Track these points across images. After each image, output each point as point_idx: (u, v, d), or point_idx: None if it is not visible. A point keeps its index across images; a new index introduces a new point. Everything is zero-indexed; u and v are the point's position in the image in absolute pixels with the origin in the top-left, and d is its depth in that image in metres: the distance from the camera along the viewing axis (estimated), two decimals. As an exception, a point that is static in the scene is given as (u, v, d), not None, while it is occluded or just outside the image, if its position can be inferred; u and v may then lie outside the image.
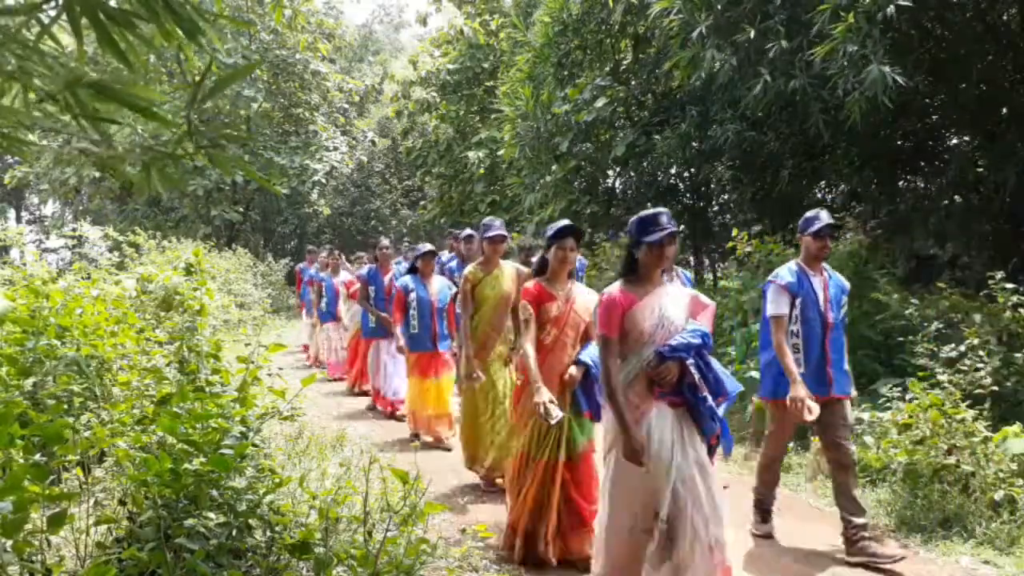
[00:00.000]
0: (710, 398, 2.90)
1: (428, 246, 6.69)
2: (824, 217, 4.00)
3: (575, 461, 3.73)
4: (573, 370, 3.71)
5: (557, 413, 3.56)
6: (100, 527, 2.73)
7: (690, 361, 2.88)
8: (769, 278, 4.10)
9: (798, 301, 3.91)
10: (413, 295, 6.31)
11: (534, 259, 6.41)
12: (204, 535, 2.46)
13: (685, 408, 2.91)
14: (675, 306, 3.01)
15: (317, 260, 11.47)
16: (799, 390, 3.73)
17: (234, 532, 2.60)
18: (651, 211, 3.05)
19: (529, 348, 3.70)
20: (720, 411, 2.97)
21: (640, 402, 2.89)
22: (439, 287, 6.48)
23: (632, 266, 3.05)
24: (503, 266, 5.05)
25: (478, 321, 4.94)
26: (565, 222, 3.84)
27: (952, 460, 4.24)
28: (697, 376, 2.88)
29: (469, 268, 5.00)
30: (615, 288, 3.03)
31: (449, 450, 6.19)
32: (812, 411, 3.71)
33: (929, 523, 4.16)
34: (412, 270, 6.52)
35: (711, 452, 2.96)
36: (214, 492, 2.59)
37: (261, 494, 2.77)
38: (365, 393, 8.60)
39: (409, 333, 6.31)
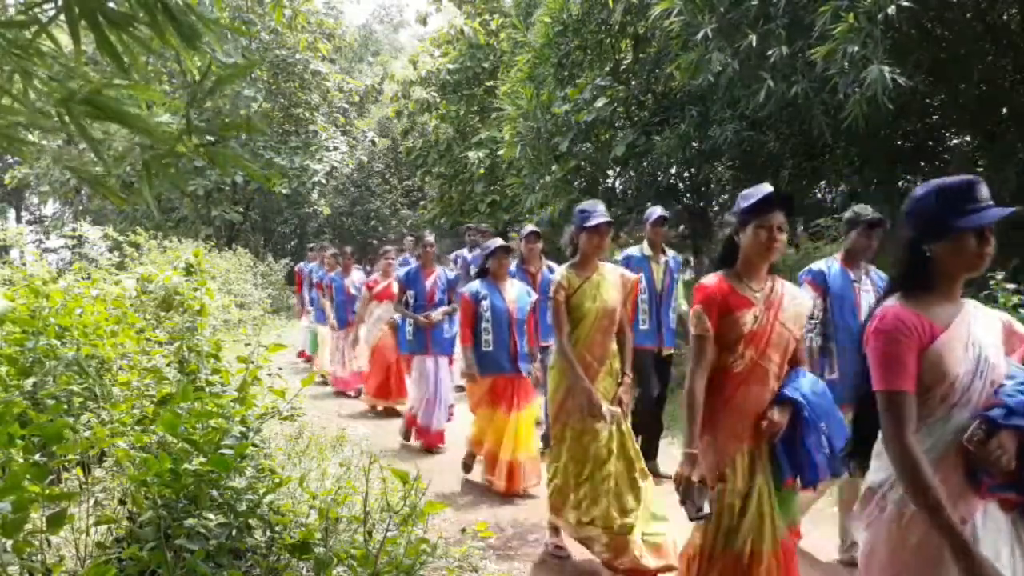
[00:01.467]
0: None
1: (499, 241, 5.38)
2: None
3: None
4: (775, 413, 2.53)
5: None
6: (100, 527, 2.73)
7: None
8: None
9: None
10: (486, 303, 5.09)
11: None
12: (204, 535, 2.46)
13: None
14: (989, 335, 1.87)
15: (324, 258, 10.21)
16: None
17: (234, 532, 2.60)
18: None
19: (699, 383, 2.50)
20: None
21: (957, 499, 1.73)
22: (517, 293, 5.24)
23: (923, 269, 1.88)
24: (604, 269, 3.83)
25: (573, 343, 3.73)
26: (766, 188, 2.60)
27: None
28: None
29: (561, 272, 3.82)
30: (894, 306, 1.85)
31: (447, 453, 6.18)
32: None
33: (929, 523, 4.15)
34: (482, 273, 5.32)
35: None
36: (214, 492, 2.59)
37: (261, 494, 2.77)
38: (392, 412, 7.66)
39: (480, 352, 5.10)
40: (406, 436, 6.50)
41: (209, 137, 1.64)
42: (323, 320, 9.47)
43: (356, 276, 9.11)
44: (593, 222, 3.69)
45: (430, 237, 6.87)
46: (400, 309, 6.44)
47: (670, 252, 5.62)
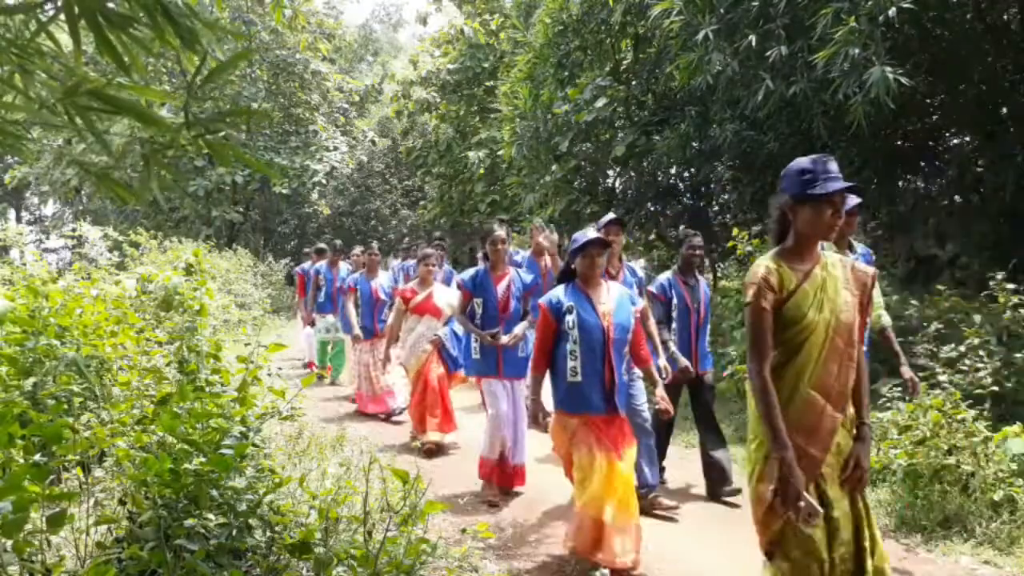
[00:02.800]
0: None
1: (591, 232, 3.84)
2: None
3: None
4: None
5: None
6: (100, 527, 2.73)
7: None
8: None
9: None
10: (571, 318, 3.67)
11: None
12: (204, 535, 2.46)
13: None
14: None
15: (354, 258, 9.18)
16: None
17: (234, 532, 2.60)
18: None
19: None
20: None
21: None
22: (616, 301, 3.76)
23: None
24: (830, 260, 2.50)
25: (794, 373, 2.41)
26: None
27: (952, 460, 4.24)
28: None
29: (764, 262, 2.49)
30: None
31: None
32: None
33: (929, 523, 4.16)
34: (566, 275, 3.85)
35: None
36: (214, 492, 2.59)
37: (261, 494, 2.77)
38: (438, 448, 6.13)
39: (567, 383, 3.71)
40: (493, 488, 4.96)
41: (209, 136, 1.64)
42: (349, 329, 8.10)
43: (384, 279, 7.99)
44: (827, 188, 2.35)
45: (501, 231, 5.22)
46: (464, 322, 5.13)
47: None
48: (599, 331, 3.66)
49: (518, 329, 5.00)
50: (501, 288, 5.06)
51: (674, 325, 4.93)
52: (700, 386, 5.04)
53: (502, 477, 4.96)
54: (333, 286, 9.20)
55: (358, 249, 9.26)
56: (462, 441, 6.32)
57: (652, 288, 4.98)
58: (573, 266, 3.78)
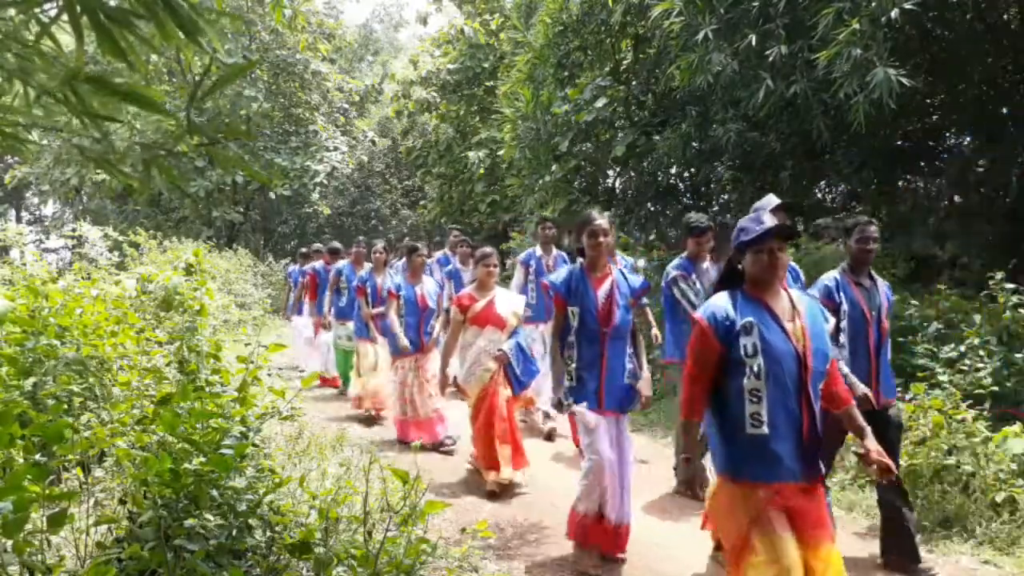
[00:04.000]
0: None
1: (768, 218, 2.67)
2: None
3: None
4: None
5: None
6: (100, 527, 2.73)
7: None
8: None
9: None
10: (751, 341, 2.53)
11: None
12: (204, 535, 2.46)
13: None
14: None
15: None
16: None
17: (234, 532, 2.60)
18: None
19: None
20: None
21: None
22: (809, 316, 2.62)
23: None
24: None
25: None
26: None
27: (952, 460, 4.24)
28: None
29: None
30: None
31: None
32: None
33: (929, 523, 4.16)
34: (729, 278, 2.71)
35: None
36: (214, 492, 2.59)
37: (261, 494, 2.77)
38: (502, 489, 5.03)
39: (745, 436, 2.52)
40: (590, 555, 3.83)
41: (208, 139, 1.63)
42: (365, 335, 7.40)
43: (429, 284, 6.55)
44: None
45: (603, 219, 3.91)
46: (556, 352, 3.89)
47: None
48: (792, 360, 2.51)
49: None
50: (601, 293, 3.85)
51: (843, 339, 3.83)
52: (883, 423, 3.65)
53: (603, 539, 3.80)
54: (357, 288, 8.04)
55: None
56: (462, 440, 6.31)
57: (815, 291, 3.86)
58: (740, 266, 2.67)
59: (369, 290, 7.36)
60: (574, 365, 3.81)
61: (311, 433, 5.27)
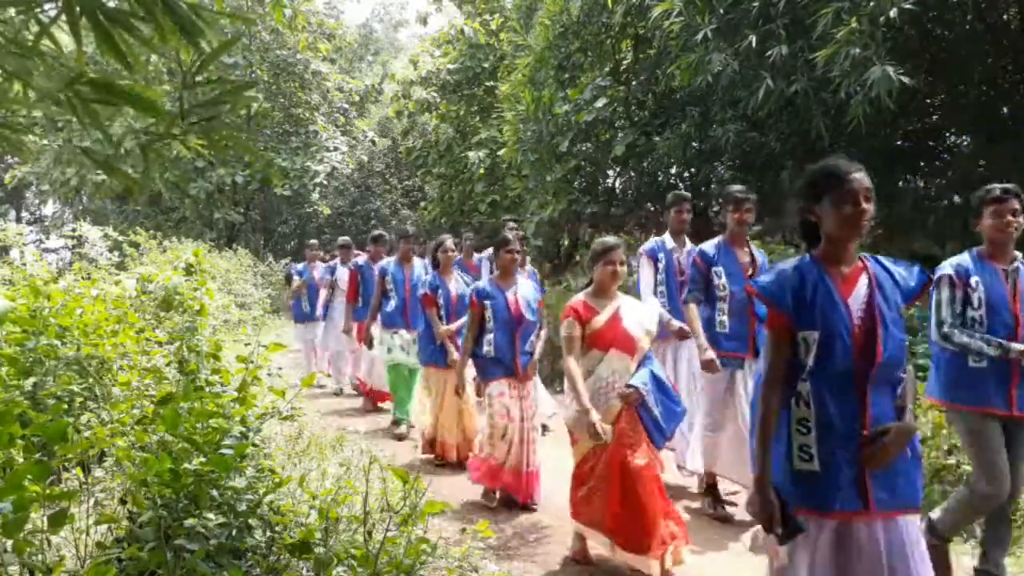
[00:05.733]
0: None
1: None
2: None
3: None
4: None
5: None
6: (100, 527, 2.73)
7: None
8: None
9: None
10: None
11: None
12: (204, 535, 2.46)
13: None
14: None
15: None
16: None
17: (234, 532, 2.60)
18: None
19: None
20: None
21: None
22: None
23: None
24: None
25: None
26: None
27: (952, 461, 4.24)
28: None
29: None
30: None
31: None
32: None
33: (929, 523, 4.16)
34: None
35: None
36: (214, 492, 2.59)
37: (261, 494, 2.77)
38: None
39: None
40: None
41: (205, 123, 1.64)
42: (440, 360, 5.66)
43: (526, 288, 4.93)
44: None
45: (859, 173, 2.30)
46: (767, 399, 2.30)
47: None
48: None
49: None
50: (857, 303, 2.52)
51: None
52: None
53: None
54: (406, 290, 6.58)
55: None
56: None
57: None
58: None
59: (442, 300, 5.63)
60: (807, 434, 2.20)
61: (311, 433, 5.27)
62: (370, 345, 6.84)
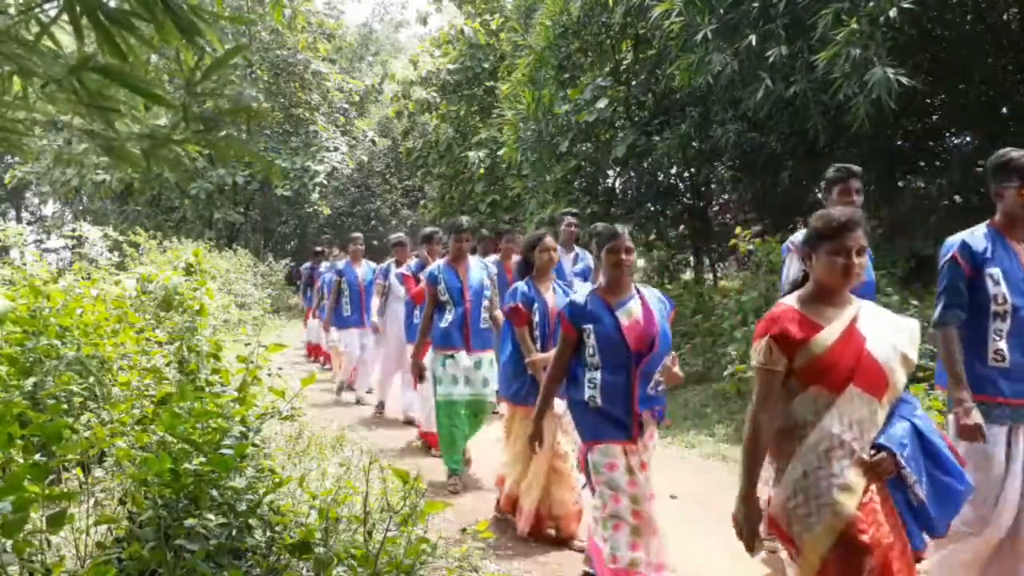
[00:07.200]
0: None
1: None
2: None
3: None
4: None
5: None
6: (100, 527, 2.73)
7: None
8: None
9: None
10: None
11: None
12: (204, 535, 2.46)
13: None
14: None
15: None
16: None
17: (234, 532, 2.60)
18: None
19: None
20: None
21: None
22: None
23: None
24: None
25: None
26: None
27: (952, 460, 4.24)
28: None
29: None
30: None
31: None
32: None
33: (929, 523, 4.15)
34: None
35: None
36: (214, 492, 2.59)
37: (261, 494, 2.77)
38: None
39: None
40: None
41: (209, 135, 1.64)
42: (532, 398, 3.82)
43: (653, 299, 3.37)
44: None
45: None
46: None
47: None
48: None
49: None
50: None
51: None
52: None
53: None
54: (465, 299, 5.13)
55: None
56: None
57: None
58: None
59: (537, 316, 4.16)
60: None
61: (311, 433, 5.27)
62: (421, 377, 5.26)
